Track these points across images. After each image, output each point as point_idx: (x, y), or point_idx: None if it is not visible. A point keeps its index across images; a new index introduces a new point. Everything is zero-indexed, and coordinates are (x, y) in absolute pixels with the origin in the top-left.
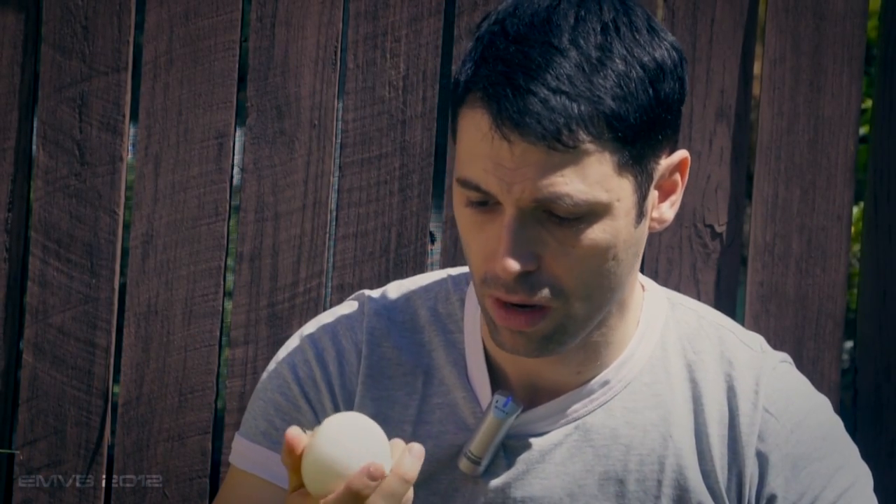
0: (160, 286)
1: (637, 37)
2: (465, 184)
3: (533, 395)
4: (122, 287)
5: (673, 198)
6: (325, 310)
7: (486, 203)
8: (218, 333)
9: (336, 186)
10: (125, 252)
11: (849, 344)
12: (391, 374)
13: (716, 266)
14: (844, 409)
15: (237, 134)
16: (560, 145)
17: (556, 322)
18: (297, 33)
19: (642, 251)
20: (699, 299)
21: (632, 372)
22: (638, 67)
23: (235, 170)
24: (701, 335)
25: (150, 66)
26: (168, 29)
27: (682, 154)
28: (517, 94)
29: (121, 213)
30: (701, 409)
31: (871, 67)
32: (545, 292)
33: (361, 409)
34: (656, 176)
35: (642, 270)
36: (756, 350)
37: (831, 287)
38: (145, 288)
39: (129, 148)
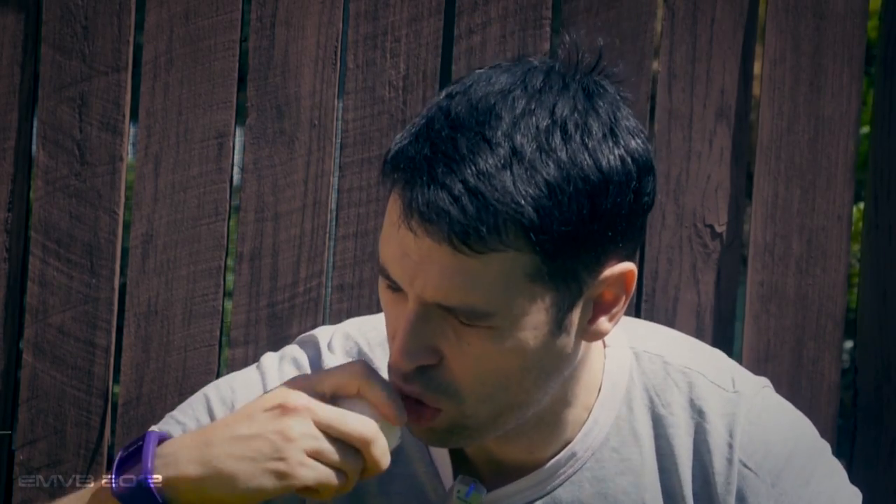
0: (160, 286)
1: (586, 141)
2: (381, 268)
3: (496, 472)
4: (122, 287)
5: (614, 310)
6: (325, 310)
7: (399, 288)
8: (218, 333)
9: (336, 186)
10: (125, 252)
11: (849, 344)
12: None
13: (716, 266)
14: (844, 409)
15: (237, 134)
16: (466, 248)
17: (452, 422)
18: (297, 33)
19: (571, 360)
20: (699, 299)
21: (597, 439)
22: (576, 177)
23: (235, 170)
24: (669, 384)
25: (150, 66)
26: (168, 29)
27: (625, 267)
28: (431, 185)
29: (121, 213)
30: (674, 466)
31: (871, 67)
32: (438, 392)
33: None
34: (588, 289)
35: (641, 271)
36: (728, 390)
37: (831, 287)
38: (145, 288)
39: (129, 148)
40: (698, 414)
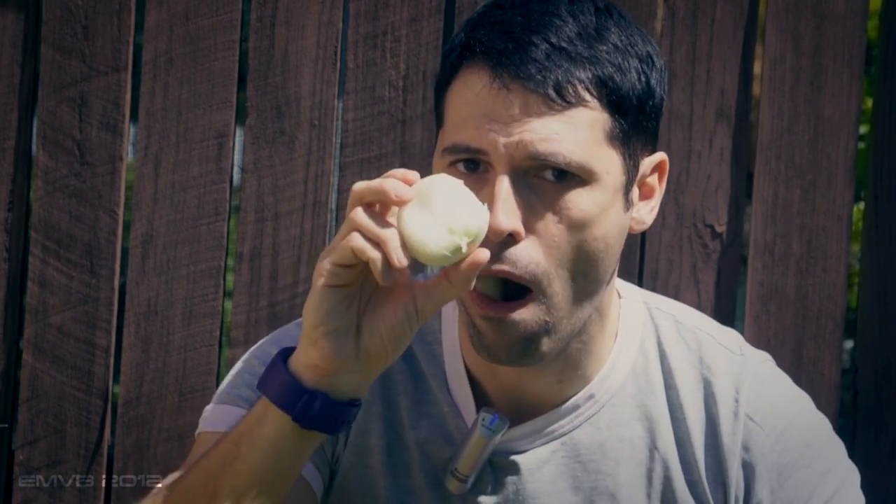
0: (160, 286)
1: (628, 26)
2: (454, 149)
3: (516, 411)
4: (122, 287)
5: (652, 202)
6: None
7: (476, 166)
8: (218, 333)
9: (336, 186)
10: (125, 252)
11: (849, 344)
12: (390, 372)
13: (716, 266)
14: (844, 409)
15: (237, 134)
16: (559, 98)
17: (537, 317)
18: (297, 33)
19: (622, 247)
20: (699, 299)
21: (615, 383)
22: (633, 47)
23: (235, 170)
24: (678, 340)
25: (150, 66)
26: (168, 29)
27: (661, 155)
28: (518, 46)
29: (121, 213)
30: (683, 416)
31: (871, 67)
32: (526, 271)
33: (368, 406)
34: (640, 169)
35: (641, 272)
36: (735, 353)
37: (831, 287)
38: (145, 288)
39: (129, 148)
40: (707, 370)
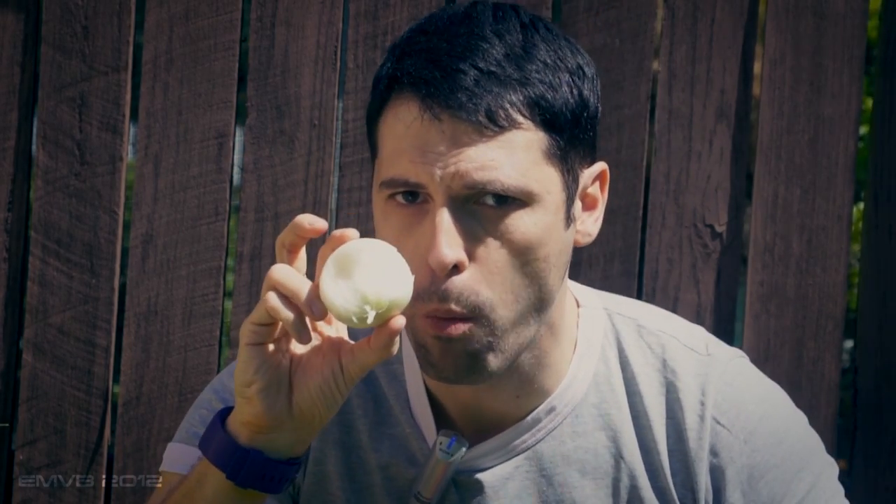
0: (160, 286)
1: (556, 39)
2: (390, 183)
3: (478, 429)
4: (122, 287)
5: (595, 213)
6: None
7: (415, 197)
8: (218, 333)
9: (336, 186)
10: (125, 252)
11: (849, 344)
12: (348, 396)
13: (716, 266)
14: (844, 409)
15: (237, 134)
16: (492, 124)
17: (480, 337)
18: (297, 33)
19: (568, 264)
20: (699, 299)
21: (577, 394)
22: (562, 62)
23: (235, 170)
24: (641, 345)
25: (150, 66)
26: (168, 29)
27: (601, 165)
28: (446, 75)
29: (121, 213)
30: (648, 423)
31: (871, 67)
32: (469, 306)
33: (324, 433)
34: (581, 182)
35: (641, 272)
36: (701, 353)
37: (831, 287)
38: (145, 288)
39: (129, 148)
40: (671, 374)
